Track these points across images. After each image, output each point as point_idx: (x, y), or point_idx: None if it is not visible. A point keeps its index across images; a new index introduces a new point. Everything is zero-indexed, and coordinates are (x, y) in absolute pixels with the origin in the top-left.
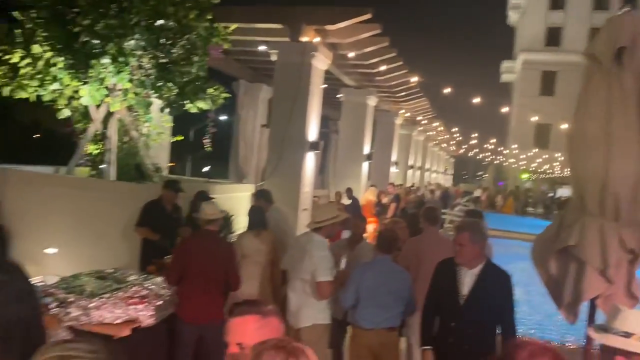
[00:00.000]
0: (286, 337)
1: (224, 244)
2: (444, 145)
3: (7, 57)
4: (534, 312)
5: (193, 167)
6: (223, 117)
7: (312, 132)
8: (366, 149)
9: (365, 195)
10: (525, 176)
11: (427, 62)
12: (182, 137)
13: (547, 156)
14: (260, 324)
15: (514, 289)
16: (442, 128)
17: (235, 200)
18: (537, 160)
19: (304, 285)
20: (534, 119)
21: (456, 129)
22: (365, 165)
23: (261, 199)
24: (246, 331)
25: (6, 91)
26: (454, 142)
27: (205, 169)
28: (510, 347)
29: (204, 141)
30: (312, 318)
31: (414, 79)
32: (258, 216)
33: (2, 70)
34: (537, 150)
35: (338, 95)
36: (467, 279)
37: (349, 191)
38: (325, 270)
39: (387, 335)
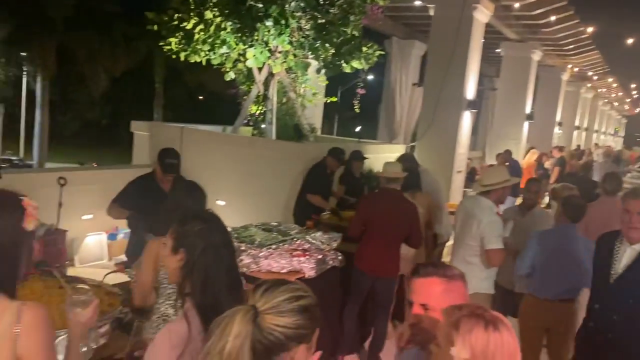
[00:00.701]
0: (480, 305)
1: (406, 203)
2: (616, 103)
3: (183, 24)
4: None
5: (340, 127)
6: (370, 77)
7: (470, 90)
8: (527, 108)
9: (526, 159)
10: None
11: (603, 9)
12: (336, 99)
13: None
14: (446, 287)
15: None
16: (616, 85)
17: (386, 160)
18: None
19: (466, 251)
20: None
21: (634, 85)
22: (525, 126)
23: (406, 161)
24: (431, 293)
25: (182, 56)
26: (630, 100)
27: (357, 129)
28: None
29: (353, 101)
30: (474, 287)
31: (589, 30)
32: (412, 177)
33: (178, 37)
34: None
35: (497, 50)
36: (626, 254)
37: (508, 153)
38: (495, 237)
39: (562, 307)
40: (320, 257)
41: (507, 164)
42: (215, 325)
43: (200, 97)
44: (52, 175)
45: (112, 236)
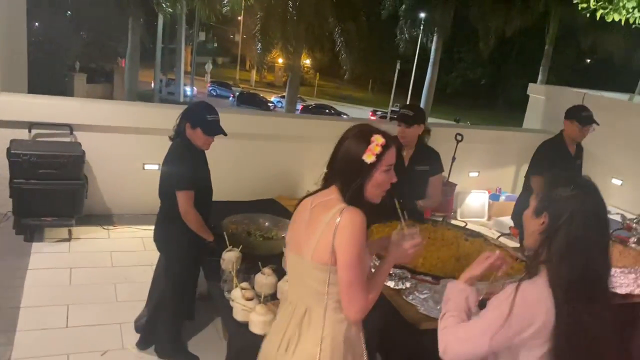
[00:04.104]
0: None
1: None
2: None
3: None
4: None
5: None
6: None
7: None
8: None
9: None
10: None
11: None
12: None
13: None
14: None
15: None
16: None
17: None
18: None
19: None
20: None
21: None
22: None
23: None
24: None
25: (598, 14)
26: None
27: None
28: None
29: None
30: None
31: None
32: None
33: None
34: None
35: None
36: None
37: None
38: None
39: None
40: None
41: None
42: None
43: (588, 60)
44: (452, 131)
45: (494, 196)
